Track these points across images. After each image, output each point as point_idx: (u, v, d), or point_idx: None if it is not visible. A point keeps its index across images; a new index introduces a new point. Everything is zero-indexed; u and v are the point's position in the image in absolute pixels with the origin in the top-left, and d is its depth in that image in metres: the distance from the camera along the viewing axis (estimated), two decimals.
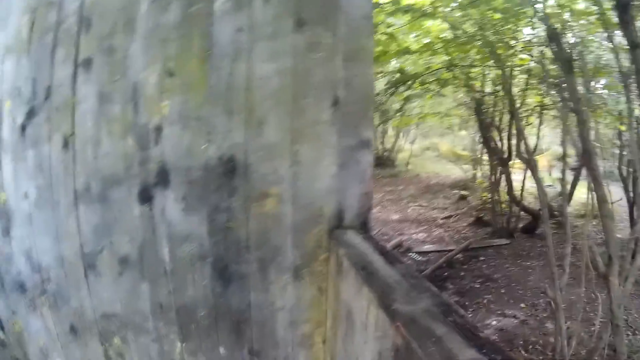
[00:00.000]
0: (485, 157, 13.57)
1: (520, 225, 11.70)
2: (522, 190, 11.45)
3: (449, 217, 13.12)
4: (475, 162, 17.03)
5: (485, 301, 7.68)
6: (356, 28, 2.44)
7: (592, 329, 5.53)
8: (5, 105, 2.62)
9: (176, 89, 2.35)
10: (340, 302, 2.15)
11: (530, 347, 6.24)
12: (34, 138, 2.52)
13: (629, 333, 6.87)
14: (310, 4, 2.39)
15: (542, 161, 18.22)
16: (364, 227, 2.50)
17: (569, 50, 4.01)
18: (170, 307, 2.45)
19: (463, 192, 15.56)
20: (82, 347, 2.67)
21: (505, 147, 11.24)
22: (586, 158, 3.50)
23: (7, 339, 3.01)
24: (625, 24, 3.01)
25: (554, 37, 3.47)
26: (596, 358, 4.89)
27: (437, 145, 25.67)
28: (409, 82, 8.82)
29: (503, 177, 11.72)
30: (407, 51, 8.28)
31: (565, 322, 5.65)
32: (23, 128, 2.54)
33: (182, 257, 2.40)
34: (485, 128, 11.08)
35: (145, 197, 2.38)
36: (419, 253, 9.77)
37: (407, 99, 10.57)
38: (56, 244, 2.55)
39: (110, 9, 2.42)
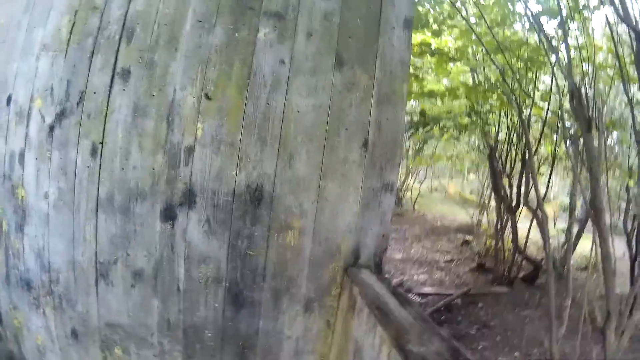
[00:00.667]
0: (493, 203, 13.57)
1: (521, 274, 11.67)
2: (527, 239, 11.42)
3: (451, 261, 13.06)
4: (482, 207, 17.03)
5: (480, 347, 7.62)
6: (392, 72, 2.49)
7: None
8: (35, 103, 2.63)
9: (212, 112, 2.37)
10: (350, 338, 2.17)
11: None
12: (61, 140, 2.51)
13: None
14: (351, 44, 2.44)
15: (548, 211, 18.20)
16: (378, 267, 2.55)
17: (588, 108, 4.03)
18: (178, 325, 2.46)
19: (467, 237, 15.51)
20: (81, 352, 2.67)
21: (514, 195, 11.25)
22: (595, 215, 3.50)
23: (3, 332, 3.00)
24: None
25: (575, 93, 3.48)
26: None
27: (445, 187, 25.66)
28: (430, 124, 8.87)
29: (509, 224, 11.71)
30: (431, 94, 8.34)
31: None
32: (51, 128, 2.53)
33: (197, 278, 2.42)
34: (496, 174, 11.08)
35: (169, 215, 2.40)
36: (419, 294, 9.72)
37: (426, 142, 10.63)
38: (70, 248, 2.54)
39: (154, 22, 2.44)
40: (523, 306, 9.86)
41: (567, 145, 6.68)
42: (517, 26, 8.17)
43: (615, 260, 4.74)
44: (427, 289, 10.20)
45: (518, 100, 7.60)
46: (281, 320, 2.47)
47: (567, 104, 5.12)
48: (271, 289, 2.44)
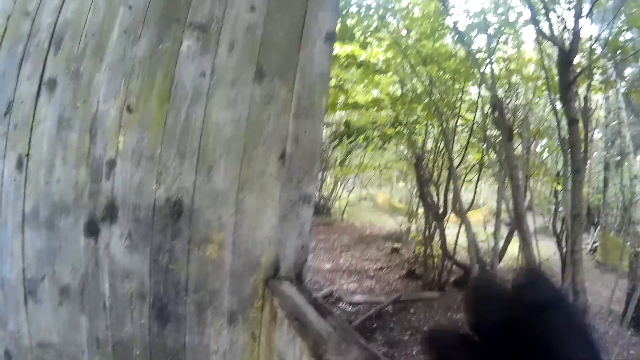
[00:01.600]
0: (421, 210, 13.82)
1: (452, 279, 11.92)
2: (456, 244, 11.68)
3: (381, 268, 13.23)
4: (411, 215, 17.29)
5: (414, 353, 7.74)
6: (311, 85, 2.50)
7: None
8: None
9: (134, 125, 2.35)
10: (273, 350, 2.18)
11: None
12: None
13: None
14: (272, 57, 2.45)
15: (478, 216, 18.65)
16: (298, 278, 2.54)
17: (510, 119, 4.19)
18: (107, 342, 2.42)
19: (396, 245, 15.73)
20: None
21: (441, 202, 11.50)
22: (517, 220, 3.65)
23: None
24: (567, 101, 3.20)
25: (497, 104, 3.62)
26: None
27: (374, 196, 25.95)
28: (355, 135, 8.99)
29: (437, 231, 11.95)
30: (355, 105, 8.47)
31: None
32: None
33: (122, 293, 2.38)
34: (424, 182, 11.31)
35: (92, 229, 2.36)
36: (350, 303, 9.79)
37: (350, 152, 10.75)
38: None
39: (83, 31, 2.39)
40: (455, 310, 10.09)
41: (485, 143, 6.92)
42: (447, 39, 8.41)
43: (541, 262, 4.94)
44: (357, 298, 10.29)
45: (440, 111, 7.81)
46: (207, 334, 2.44)
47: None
48: (194, 302, 2.42)
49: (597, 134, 25.77)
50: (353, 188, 25.59)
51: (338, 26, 6.17)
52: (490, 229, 12.18)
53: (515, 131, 8.23)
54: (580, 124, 4.54)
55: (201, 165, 2.37)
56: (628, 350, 9.04)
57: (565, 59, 3.02)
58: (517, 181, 3.52)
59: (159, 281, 2.38)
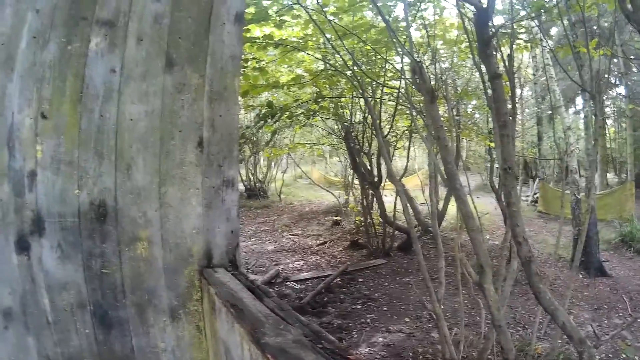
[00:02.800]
0: (357, 181, 13.93)
1: (396, 244, 12.08)
2: (395, 210, 11.82)
3: (324, 243, 13.29)
4: (347, 187, 17.41)
5: (368, 320, 7.82)
6: (223, 68, 2.49)
7: (480, 331, 5.78)
8: None
9: (50, 132, 2.27)
10: (218, 340, 2.17)
11: (421, 357, 6.41)
12: None
13: (519, 329, 7.42)
14: (181, 45, 2.42)
15: (415, 180, 18.95)
16: (232, 264, 2.55)
17: (431, 82, 4.24)
18: (57, 359, 2.35)
19: (336, 218, 15.82)
20: None
21: (375, 171, 11.61)
22: (449, 179, 3.70)
23: None
24: (486, 57, 3.23)
25: (416, 69, 3.64)
26: (489, 357, 5.11)
27: (309, 173, 26.02)
28: (278, 115, 8.96)
29: (375, 200, 12.08)
30: (276, 85, 8.42)
31: (453, 329, 5.90)
32: None
33: (62, 306, 2.31)
34: (355, 154, 11.38)
35: (22, 246, 2.27)
36: (297, 281, 9.81)
37: (275, 132, 10.72)
38: None
39: None
40: (403, 274, 10.25)
41: (412, 109, 7.01)
42: (367, 12, 8.43)
43: (481, 215, 5.05)
44: (304, 275, 10.32)
45: (362, 82, 7.83)
46: (152, 334, 2.41)
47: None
48: (134, 304, 2.38)
49: (526, 92, 26.56)
50: (287, 168, 25.66)
51: (253, 8, 6.12)
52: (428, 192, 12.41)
53: (440, 94, 8.36)
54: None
55: (120, 164, 2.33)
56: (582, 292, 9.41)
57: (482, 16, 3.06)
58: (443, 141, 3.56)
59: (95, 288, 2.33)
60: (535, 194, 22.62)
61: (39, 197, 2.26)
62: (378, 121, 9.72)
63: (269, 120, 8.94)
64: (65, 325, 2.33)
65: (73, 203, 2.28)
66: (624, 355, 6.57)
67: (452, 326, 6.14)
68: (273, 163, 23.33)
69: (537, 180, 23.38)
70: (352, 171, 14.05)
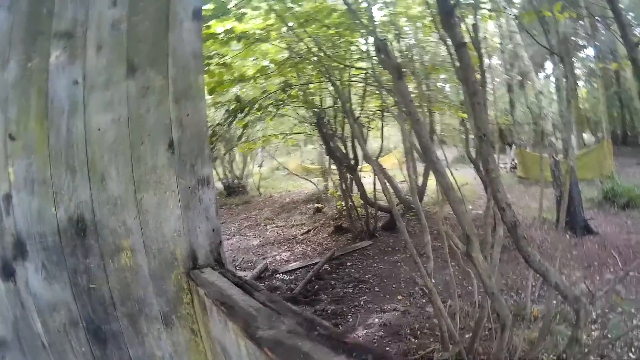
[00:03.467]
0: (334, 167, 13.96)
1: (380, 224, 12.13)
2: (375, 191, 11.86)
3: (308, 231, 13.33)
4: (325, 173, 17.45)
5: (362, 302, 7.88)
6: (185, 67, 2.47)
7: (475, 300, 5.82)
8: None
9: (19, 152, 2.23)
10: (214, 340, 2.17)
11: (419, 332, 6.47)
12: None
13: (513, 294, 7.51)
14: (141, 48, 2.39)
15: (392, 160, 19.01)
16: (218, 262, 2.55)
17: (396, 58, 4.24)
18: None
19: (318, 205, 15.87)
20: None
21: (351, 155, 11.63)
22: (424, 153, 3.71)
23: None
24: (450, 26, 3.23)
25: (380, 47, 3.64)
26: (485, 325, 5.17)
27: (286, 164, 26.03)
28: (247, 108, 8.92)
29: (354, 183, 12.11)
30: (241, 79, 8.38)
31: (447, 302, 5.93)
32: None
33: (55, 327, 2.28)
34: (328, 139, 11.39)
35: (8, 272, 2.23)
36: (286, 273, 9.83)
37: (246, 126, 10.68)
38: None
39: None
40: (390, 253, 10.34)
41: (381, 89, 7.03)
42: None
43: (462, 186, 5.08)
44: (292, 265, 10.36)
45: (328, 67, 7.81)
46: (148, 343, 2.39)
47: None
48: (125, 315, 2.36)
49: (495, 61, 26.71)
50: (263, 161, 25.66)
51: (212, 4, 6.06)
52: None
53: (408, 71, 8.36)
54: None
55: (93, 176, 2.30)
56: (570, 252, 9.54)
57: None
58: (415, 115, 3.56)
59: (85, 304, 2.30)
60: (513, 160, 22.88)
61: (17, 220, 2.22)
62: (348, 104, 9.73)
63: (239, 115, 8.90)
64: (60, 346, 2.30)
65: (52, 221, 2.24)
66: (620, 309, 6.66)
67: (445, 299, 6.18)
68: (249, 158, 23.30)
69: (513, 146, 23.62)
70: (328, 157, 14.06)
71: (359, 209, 12.33)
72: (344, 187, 12.29)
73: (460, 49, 3.19)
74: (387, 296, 8.03)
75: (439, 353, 5.34)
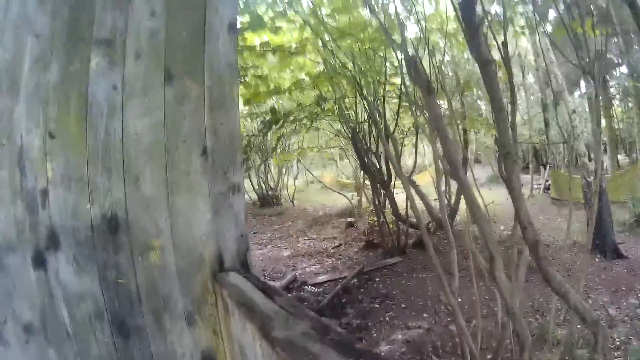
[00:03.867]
0: (368, 182, 13.95)
1: (411, 241, 12.09)
2: (407, 208, 11.84)
3: (339, 245, 13.31)
4: (359, 188, 17.44)
5: (387, 318, 7.86)
6: (221, 77, 2.56)
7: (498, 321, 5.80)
8: None
9: (58, 150, 2.34)
10: (234, 341, 2.23)
11: (441, 351, 6.47)
12: None
13: (538, 317, 7.42)
14: (178, 58, 2.48)
15: (427, 177, 18.92)
16: (244, 267, 2.61)
17: (426, 75, 4.28)
18: None
19: (350, 219, 15.84)
20: None
21: (384, 170, 11.63)
22: (451, 170, 3.74)
23: None
24: (476, 45, 3.27)
25: (410, 63, 3.70)
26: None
27: (321, 177, 26.04)
28: (282, 120, 8.99)
29: (387, 199, 12.10)
30: (277, 91, 8.47)
31: (472, 321, 5.91)
32: None
33: (81, 317, 2.37)
34: (363, 154, 11.41)
35: (39, 261, 2.33)
36: (315, 285, 9.84)
37: (280, 138, 10.76)
38: None
39: None
40: (419, 270, 10.25)
41: (414, 106, 7.04)
42: (359, 11, 8.44)
43: (488, 205, 5.08)
44: (321, 278, 10.33)
45: (360, 82, 7.85)
46: (170, 340, 2.47)
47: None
48: (150, 311, 2.44)
49: (530, 79, 26.36)
50: (298, 173, 25.70)
51: (248, 17, 6.19)
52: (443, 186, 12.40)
53: (439, 87, 8.38)
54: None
55: (128, 177, 2.40)
56: (599, 275, 9.41)
57: (466, 5, 3.10)
58: (443, 132, 3.60)
59: (112, 297, 2.39)
60: (547, 181, 22.59)
61: (52, 214, 2.33)
62: (381, 120, 9.76)
63: (274, 127, 8.98)
64: (85, 335, 2.39)
65: (85, 217, 2.35)
66: None
67: (471, 318, 6.17)
68: (284, 170, 23.39)
69: (548, 167, 23.31)
70: (362, 172, 14.07)
71: (390, 225, 12.30)
72: (376, 202, 12.27)
73: (485, 66, 3.23)
74: (413, 313, 8.01)
75: None
